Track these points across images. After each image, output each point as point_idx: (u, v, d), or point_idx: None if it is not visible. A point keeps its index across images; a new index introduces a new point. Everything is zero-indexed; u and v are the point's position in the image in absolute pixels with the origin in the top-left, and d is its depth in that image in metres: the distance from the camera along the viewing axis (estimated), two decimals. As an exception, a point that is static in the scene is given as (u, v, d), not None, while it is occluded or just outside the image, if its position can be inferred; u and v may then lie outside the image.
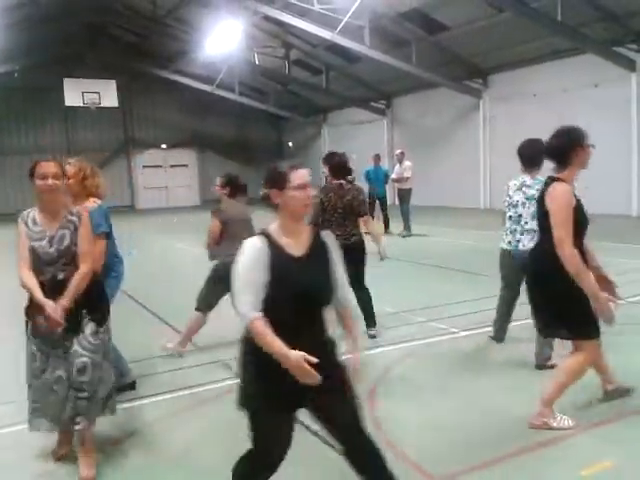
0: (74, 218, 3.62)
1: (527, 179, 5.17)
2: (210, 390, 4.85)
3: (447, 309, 7.01)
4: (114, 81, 26.09)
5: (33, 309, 3.54)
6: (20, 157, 24.53)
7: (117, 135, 30.25)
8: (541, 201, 3.83)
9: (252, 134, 32.08)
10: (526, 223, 5.13)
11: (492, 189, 20.48)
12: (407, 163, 14.56)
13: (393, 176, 15.03)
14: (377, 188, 14.78)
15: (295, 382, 2.46)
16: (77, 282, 3.52)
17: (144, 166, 30.99)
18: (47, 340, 3.55)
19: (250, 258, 2.52)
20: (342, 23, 17.61)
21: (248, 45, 22.60)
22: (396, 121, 25.16)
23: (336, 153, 6.29)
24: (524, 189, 5.16)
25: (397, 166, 14.88)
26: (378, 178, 14.97)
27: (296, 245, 2.61)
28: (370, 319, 6.05)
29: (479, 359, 5.43)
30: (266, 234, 2.59)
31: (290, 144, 33.10)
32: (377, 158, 15.52)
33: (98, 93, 25.71)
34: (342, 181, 5.95)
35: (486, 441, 3.78)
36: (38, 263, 3.50)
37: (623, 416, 3.95)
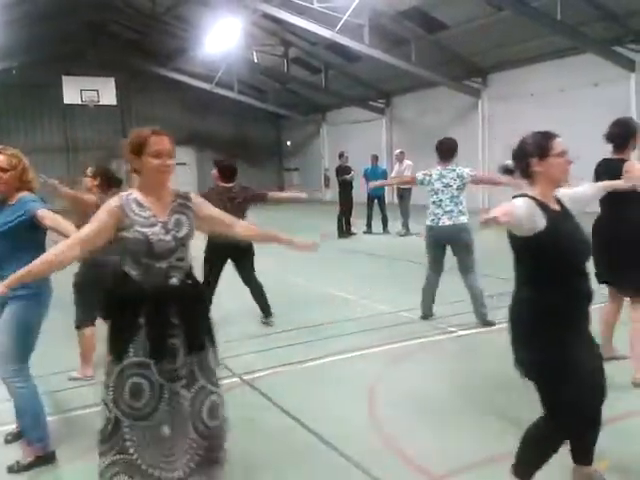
0: (188, 202, 2.95)
1: (443, 170, 6.40)
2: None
3: (445, 308, 6.99)
4: (113, 79, 26.04)
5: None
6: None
7: (115, 133, 30.20)
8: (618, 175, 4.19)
9: (251, 132, 32.04)
10: (446, 205, 6.31)
11: (490, 188, 20.47)
12: (407, 162, 14.54)
13: (393, 175, 15.04)
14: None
15: None
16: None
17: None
18: (167, 367, 2.76)
19: (528, 206, 2.63)
20: (341, 22, 17.60)
21: (247, 43, 22.57)
22: (395, 120, 25.14)
23: (223, 160, 6.93)
24: (442, 179, 6.36)
25: (397, 165, 14.88)
26: (376, 177, 14.97)
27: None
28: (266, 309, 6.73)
29: (477, 358, 5.42)
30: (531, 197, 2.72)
31: (289, 143, 33.11)
32: (374, 158, 15.59)
33: (97, 91, 25.66)
34: (231, 184, 6.54)
35: (484, 440, 3.76)
36: (145, 256, 2.77)
37: (619, 417, 3.94)
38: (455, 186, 6.35)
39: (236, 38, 20.37)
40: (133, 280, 2.76)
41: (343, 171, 14.94)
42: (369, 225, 15.05)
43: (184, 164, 31.94)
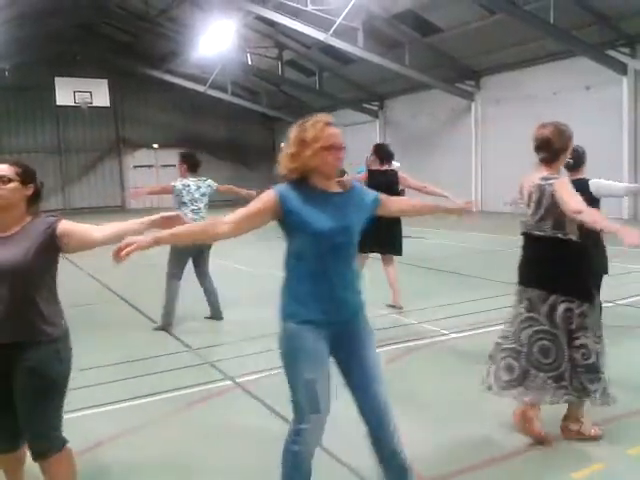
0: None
1: (197, 183, 6.78)
2: (198, 392, 4.80)
3: (438, 311, 6.99)
4: (106, 80, 25.98)
5: None
6: (10, 156, 24.37)
7: (108, 135, 30.12)
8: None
9: (244, 135, 32.00)
10: (201, 211, 6.70)
11: (484, 191, 20.52)
12: (395, 164, 14.48)
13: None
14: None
15: None
16: None
17: (135, 166, 30.84)
18: None
19: None
20: (336, 24, 17.61)
21: (241, 45, 22.58)
22: (389, 123, 25.17)
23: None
24: (200, 189, 6.75)
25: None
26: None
27: None
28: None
29: (470, 361, 5.40)
30: None
31: (282, 145, 33.01)
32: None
33: (90, 92, 25.60)
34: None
35: (477, 444, 3.75)
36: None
37: (615, 419, 3.94)
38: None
39: (230, 40, 20.36)
40: None
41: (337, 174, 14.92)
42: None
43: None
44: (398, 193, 7.41)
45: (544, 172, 3.58)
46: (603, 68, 15.86)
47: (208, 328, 6.77)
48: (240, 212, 2.67)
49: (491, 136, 19.86)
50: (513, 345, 3.66)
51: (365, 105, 25.55)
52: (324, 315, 2.68)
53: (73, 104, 25.55)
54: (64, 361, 2.77)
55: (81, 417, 4.37)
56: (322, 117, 2.72)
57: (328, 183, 2.75)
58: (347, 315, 2.76)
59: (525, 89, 18.42)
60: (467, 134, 20.85)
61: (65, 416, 4.39)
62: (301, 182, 2.70)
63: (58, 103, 25.53)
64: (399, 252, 7.30)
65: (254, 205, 2.69)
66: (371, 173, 7.64)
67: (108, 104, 26.40)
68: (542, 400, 3.58)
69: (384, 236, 6.74)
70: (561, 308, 3.51)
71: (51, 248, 2.71)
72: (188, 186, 6.67)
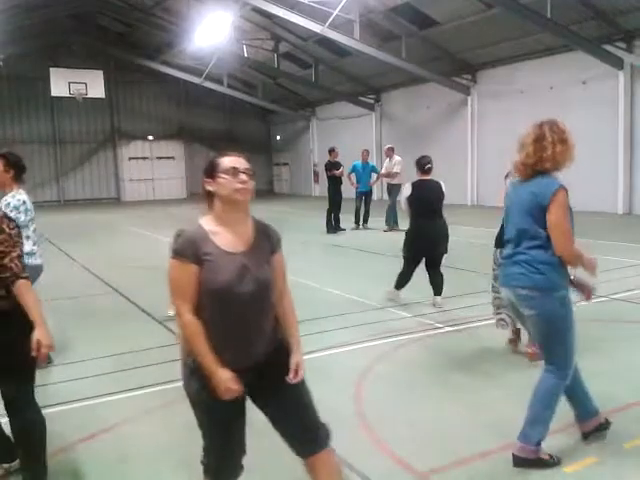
0: None
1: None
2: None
3: (431, 305, 7.00)
4: (101, 71, 25.84)
5: None
6: (5, 147, 24.26)
7: (103, 126, 30.01)
8: None
9: (240, 127, 31.94)
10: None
11: (479, 185, 20.54)
12: (397, 158, 14.51)
13: (382, 171, 15.05)
14: (362, 183, 14.91)
15: None
16: None
17: (130, 158, 30.76)
18: None
19: None
20: (332, 17, 17.54)
21: (237, 37, 22.47)
22: (385, 116, 25.13)
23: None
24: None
25: (387, 161, 14.86)
26: (365, 173, 15.01)
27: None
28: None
29: (463, 355, 5.42)
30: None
31: (278, 138, 33.02)
32: (366, 154, 15.50)
33: (85, 83, 25.44)
34: None
35: (470, 437, 3.76)
36: None
37: (610, 413, 3.95)
38: None
39: (226, 32, 20.25)
40: None
41: (332, 166, 14.92)
42: (357, 221, 15.06)
43: (172, 158, 31.83)
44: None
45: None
46: (599, 63, 15.85)
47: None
48: None
49: (487, 130, 19.85)
50: None
51: (361, 98, 25.49)
52: None
53: (68, 95, 25.40)
54: None
55: (77, 409, 4.38)
56: None
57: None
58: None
59: (521, 83, 18.41)
60: (463, 128, 20.84)
61: (59, 407, 4.40)
62: None
63: (53, 94, 25.38)
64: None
65: None
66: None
67: (103, 95, 26.26)
68: None
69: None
70: None
71: None
72: (24, 203, 4.85)
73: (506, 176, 4.99)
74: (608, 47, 15.79)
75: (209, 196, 2.50)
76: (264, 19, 21.71)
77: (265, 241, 2.55)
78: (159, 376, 4.95)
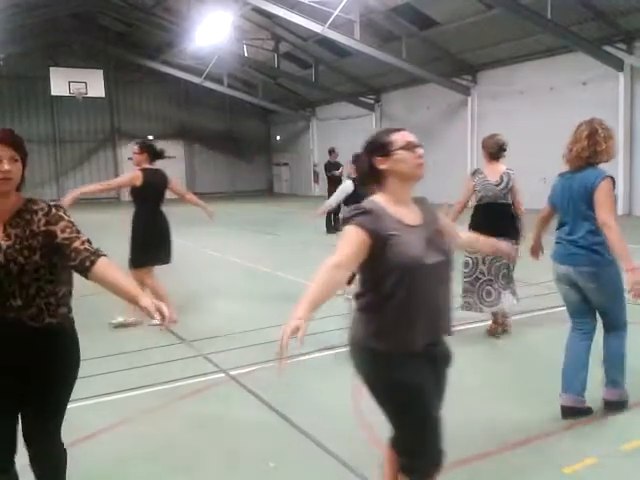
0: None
1: None
2: (192, 385, 4.80)
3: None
4: (101, 71, 25.85)
5: None
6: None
7: (103, 125, 30.01)
8: None
9: (240, 127, 31.93)
10: None
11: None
12: None
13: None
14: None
15: None
16: None
17: (130, 157, 30.60)
18: None
19: None
20: (332, 17, 17.54)
21: (237, 37, 22.47)
22: (385, 116, 25.13)
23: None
24: None
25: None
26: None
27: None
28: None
29: (461, 356, 5.41)
30: None
31: (278, 137, 33.01)
32: None
33: (85, 83, 25.45)
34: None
35: (469, 438, 3.75)
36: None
37: (604, 415, 3.95)
38: None
39: (226, 32, 20.26)
40: None
41: (332, 167, 14.92)
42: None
43: (172, 158, 31.80)
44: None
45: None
46: (599, 64, 15.86)
47: (201, 321, 6.76)
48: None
49: (487, 130, 19.50)
50: (488, 277, 5.64)
51: (361, 98, 25.50)
52: None
53: (68, 94, 25.40)
54: None
55: (74, 408, 4.37)
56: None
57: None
58: None
59: (521, 84, 18.41)
60: (463, 128, 20.84)
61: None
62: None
63: (53, 93, 25.38)
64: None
65: None
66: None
67: (103, 95, 26.26)
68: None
69: None
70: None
71: None
72: None
73: (473, 173, 5.93)
74: (608, 48, 15.80)
75: (375, 175, 2.48)
76: (264, 19, 21.71)
77: (429, 213, 2.57)
78: (158, 376, 4.95)
